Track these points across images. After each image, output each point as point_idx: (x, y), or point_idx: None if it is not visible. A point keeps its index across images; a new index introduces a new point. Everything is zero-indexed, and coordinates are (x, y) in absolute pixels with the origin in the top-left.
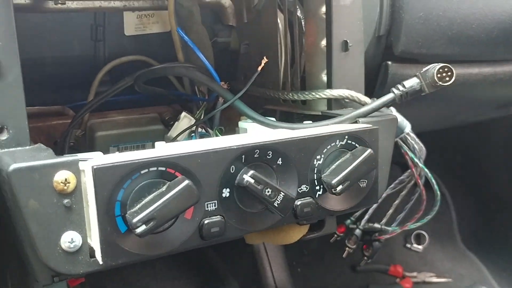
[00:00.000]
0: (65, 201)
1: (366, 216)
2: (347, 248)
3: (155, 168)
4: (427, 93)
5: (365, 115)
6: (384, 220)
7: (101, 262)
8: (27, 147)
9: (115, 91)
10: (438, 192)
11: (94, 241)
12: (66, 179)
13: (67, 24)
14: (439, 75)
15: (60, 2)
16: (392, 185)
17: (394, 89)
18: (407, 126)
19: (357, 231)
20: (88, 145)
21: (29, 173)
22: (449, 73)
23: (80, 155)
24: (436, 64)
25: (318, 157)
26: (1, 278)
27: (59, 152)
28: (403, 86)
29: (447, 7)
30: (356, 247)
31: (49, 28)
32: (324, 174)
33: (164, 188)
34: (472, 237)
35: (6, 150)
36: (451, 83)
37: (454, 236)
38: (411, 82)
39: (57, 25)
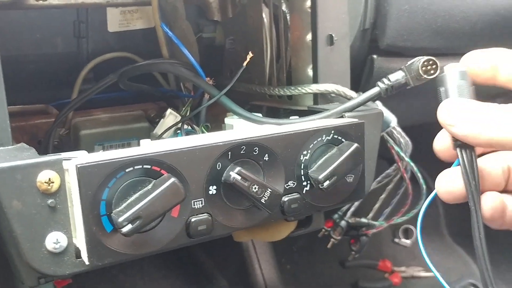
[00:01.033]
0: (49, 201)
1: (352, 208)
2: (331, 239)
3: (140, 166)
4: (412, 87)
5: (350, 109)
6: (370, 215)
7: (87, 263)
8: (10, 147)
9: (99, 89)
10: (424, 186)
11: (80, 241)
12: (49, 179)
13: (49, 21)
14: (424, 68)
15: None
16: (378, 179)
17: (379, 83)
18: (393, 120)
19: (343, 223)
20: (73, 144)
21: (12, 173)
22: (434, 66)
23: (64, 154)
24: (421, 57)
25: (305, 152)
26: None
27: (42, 151)
28: (388, 79)
29: (431, 0)
30: (341, 238)
31: (31, 25)
32: (311, 169)
33: (149, 186)
34: (459, 231)
35: None
36: (436, 76)
37: (442, 230)
38: (396, 76)
39: (39, 22)
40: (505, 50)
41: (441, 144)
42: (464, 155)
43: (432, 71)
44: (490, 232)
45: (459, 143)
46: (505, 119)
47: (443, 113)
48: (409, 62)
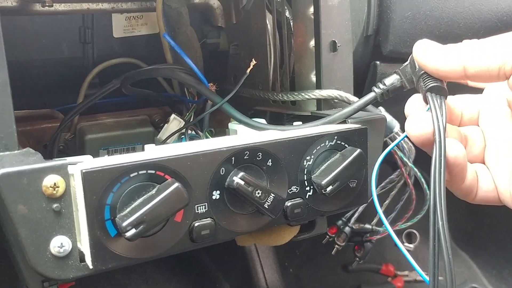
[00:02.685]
0: (55, 205)
1: (356, 214)
2: (336, 246)
3: (144, 171)
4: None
5: (350, 115)
6: (374, 221)
7: (91, 267)
8: (15, 152)
9: (103, 94)
10: (428, 191)
11: (84, 246)
12: (55, 184)
13: (55, 27)
14: None
15: (47, 4)
16: (382, 184)
17: (374, 88)
18: (396, 126)
19: (347, 229)
20: (78, 149)
21: (18, 178)
22: None
23: (69, 159)
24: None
25: (308, 158)
26: None
27: (48, 156)
28: (383, 84)
29: (434, 6)
30: (345, 245)
31: (37, 31)
32: (314, 174)
33: (153, 191)
34: (462, 235)
35: None
36: None
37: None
38: (391, 79)
39: (45, 28)
40: (470, 45)
41: (416, 129)
42: (434, 98)
43: None
44: (493, 236)
45: (429, 87)
46: (460, 51)
47: (416, 49)
48: (403, 65)
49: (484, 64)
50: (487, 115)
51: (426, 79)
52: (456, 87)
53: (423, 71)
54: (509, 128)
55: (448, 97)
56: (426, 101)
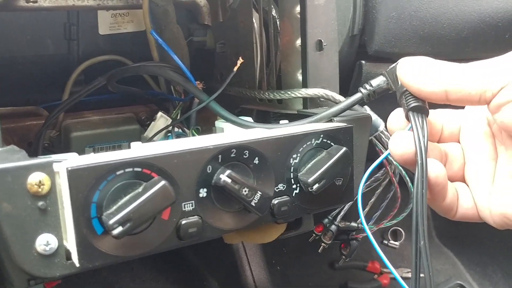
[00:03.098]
0: (40, 203)
1: (342, 212)
2: (322, 244)
3: (130, 169)
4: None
5: (336, 114)
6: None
7: (77, 265)
8: None
9: (89, 91)
10: (413, 190)
11: (70, 244)
12: (40, 181)
13: (40, 23)
14: None
15: (32, 0)
16: (367, 183)
17: (361, 88)
18: (381, 125)
19: (333, 227)
20: (63, 146)
21: (2, 176)
22: None
23: (54, 156)
24: (399, 60)
25: (294, 156)
26: None
27: (33, 153)
28: (370, 85)
29: (418, 7)
30: (331, 243)
31: (22, 27)
32: (301, 172)
33: (140, 189)
34: (446, 233)
35: None
36: None
37: (430, 232)
38: (378, 81)
39: (30, 24)
40: (453, 69)
41: (399, 149)
42: (416, 117)
43: None
44: (477, 234)
45: (411, 107)
46: (445, 73)
47: (400, 67)
48: (389, 67)
49: (465, 90)
50: (467, 133)
51: (408, 98)
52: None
53: (405, 89)
54: (488, 147)
55: (430, 111)
56: (408, 118)
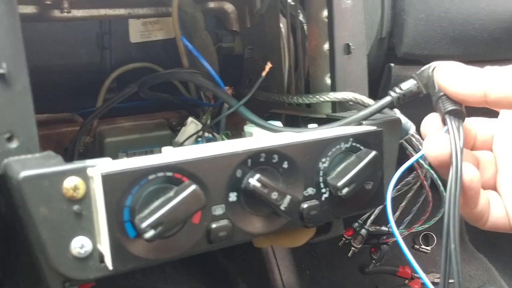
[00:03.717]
0: (75, 207)
1: (372, 217)
2: (352, 248)
3: (162, 174)
4: (426, 94)
5: (364, 118)
6: None
7: (111, 267)
8: (37, 155)
9: (121, 98)
10: (444, 194)
11: (104, 247)
12: (75, 186)
13: (74, 33)
14: None
15: (66, 11)
16: (398, 187)
17: (391, 92)
18: (411, 128)
19: (363, 231)
20: (98, 151)
21: (39, 180)
22: None
23: (89, 162)
24: (431, 63)
25: (324, 160)
26: (14, 286)
27: (68, 159)
28: (400, 88)
29: (448, 8)
30: (361, 247)
31: (56, 37)
32: (330, 176)
33: (171, 193)
34: (480, 237)
35: (16, 158)
36: None
37: (463, 237)
38: (408, 84)
39: (64, 34)
40: (492, 71)
41: (434, 150)
42: (452, 120)
43: None
44: (511, 239)
45: (448, 110)
46: (478, 77)
47: (437, 71)
48: (420, 70)
49: (505, 91)
50: (501, 140)
51: (445, 102)
52: (472, 110)
53: (442, 93)
54: None
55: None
56: (444, 122)
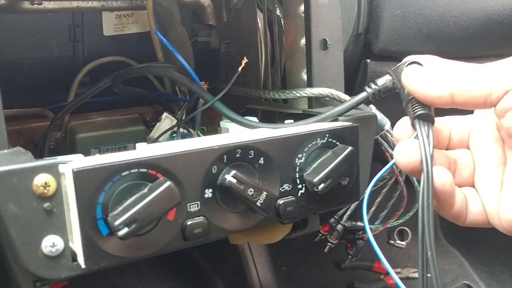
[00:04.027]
0: (46, 204)
1: (348, 212)
2: (328, 244)
3: (136, 170)
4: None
5: (341, 113)
6: None
7: (83, 266)
8: (5, 151)
9: (94, 92)
10: (419, 189)
11: (76, 245)
12: (46, 183)
13: (45, 25)
14: None
15: (36, 2)
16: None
17: (367, 88)
18: (387, 123)
19: (339, 227)
20: (69, 148)
21: (8, 177)
22: None
23: (60, 158)
24: (406, 59)
25: (300, 155)
26: None
27: (39, 155)
28: (376, 84)
29: (423, 5)
30: (337, 242)
31: (26, 29)
32: (306, 172)
33: (145, 190)
34: (453, 232)
35: None
36: None
37: (436, 231)
38: (383, 80)
39: (35, 26)
40: (457, 71)
41: (404, 157)
42: (421, 125)
43: None
44: (484, 233)
45: (417, 115)
46: (442, 76)
47: (405, 74)
48: (395, 66)
49: (470, 92)
50: (476, 138)
51: (415, 105)
52: (447, 109)
53: (411, 96)
54: (497, 152)
55: (437, 118)
56: (414, 127)
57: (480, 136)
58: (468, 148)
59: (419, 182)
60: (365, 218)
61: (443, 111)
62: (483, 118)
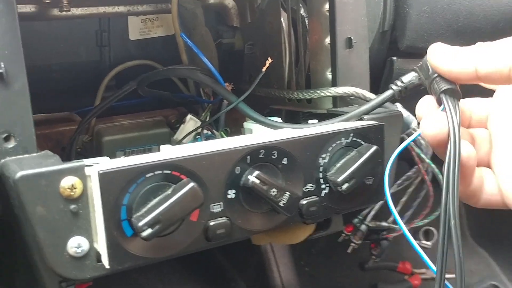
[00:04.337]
0: (72, 206)
1: (372, 212)
2: (352, 244)
3: (160, 171)
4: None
5: (366, 112)
6: (391, 218)
7: (107, 267)
8: (34, 154)
9: (120, 96)
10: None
11: (101, 246)
12: (72, 185)
13: (73, 31)
14: None
15: (65, 9)
16: (399, 181)
17: (392, 85)
18: (413, 122)
19: (363, 227)
20: (95, 150)
21: (36, 180)
22: None
23: (86, 161)
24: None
25: (324, 155)
26: (10, 286)
27: (66, 158)
28: (401, 81)
29: (452, 0)
30: (361, 243)
31: (55, 35)
32: (330, 172)
33: (169, 191)
34: (481, 232)
35: (13, 157)
36: None
37: (464, 231)
38: (409, 77)
39: (63, 32)
40: (482, 47)
41: (431, 128)
42: (448, 99)
43: None
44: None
45: (444, 89)
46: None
47: (429, 52)
48: (421, 62)
49: (494, 66)
50: (496, 118)
51: (440, 82)
52: (467, 92)
53: (436, 74)
54: None
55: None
56: (439, 102)
57: (499, 115)
58: (486, 128)
59: (443, 158)
60: (395, 213)
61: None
62: (504, 98)
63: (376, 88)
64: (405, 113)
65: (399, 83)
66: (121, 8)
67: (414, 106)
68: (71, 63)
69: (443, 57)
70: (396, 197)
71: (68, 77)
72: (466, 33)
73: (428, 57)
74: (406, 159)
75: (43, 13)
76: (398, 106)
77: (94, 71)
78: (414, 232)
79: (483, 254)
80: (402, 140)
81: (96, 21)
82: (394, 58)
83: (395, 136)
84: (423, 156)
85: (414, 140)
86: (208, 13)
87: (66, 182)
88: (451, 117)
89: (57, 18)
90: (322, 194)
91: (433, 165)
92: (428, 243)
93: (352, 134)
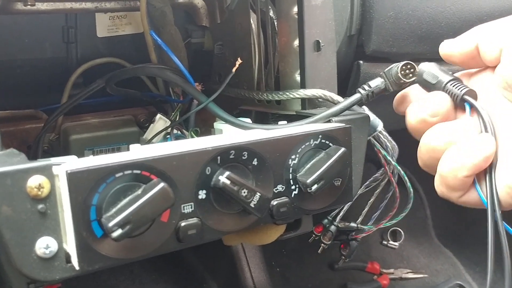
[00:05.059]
0: (39, 206)
1: (341, 213)
2: (322, 244)
3: (130, 171)
4: (392, 92)
5: (334, 115)
6: (360, 219)
7: (77, 268)
8: None
9: (88, 93)
10: (411, 190)
11: (70, 247)
12: (39, 184)
13: (38, 26)
14: (402, 72)
15: (29, 3)
16: (366, 183)
17: (360, 89)
18: (379, 125)
19: (332, 227)
20: (63, 149)
21: (1, 179)
22: (412, 70)
23: (53, 159)
24: (399, 62)
25: (293, 156)
26: None
27: (32, 156)
28: (369, 86)
29: (416, 6)
30: (331, 243)
31: (19, 30)
32: (299, 173)
33: (139, 191)
34: (446, 232)
35: None
36: (414, 79)
37: (429, 232)
38: (376, 82)
39: (27, 27)
40: (483, 26)
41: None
42: (471, 100)
43: (410, 75)
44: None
45: (465, 91)
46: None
47: (440, 48)
48: (388, 68)
49: (495, 38)
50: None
51: (457, 86)
52: None
53: (449, 79)
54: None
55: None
56: (461, 104)
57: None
58: None
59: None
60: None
61: None
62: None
63: (344, 91)
64: (372, 116)
65: (366, 87)
66: (88, 5)
67: (381, 110)
68: (36, 59)
69: (448, 43)
70: (364, 198)
71: (33, 73)
72: (429, 39)
73: (441, 52)
74: (374, 161)
75: (6, 7)
76: (365, 109)
77: (61, 68)
78: (382, 232)
79: (448, 253)
80: (369, 142)
81: (62, 16)
82: (361, 61)
83: (362, 138)
84: (389, 158)
85: (381, 143)
86: (177, 12)
87: (33, 181)
88: (483, 115)
89: (21, 13)
90: (292, 195)
91: (399, 167)
92: (396, 243)
93: (320, 136)
